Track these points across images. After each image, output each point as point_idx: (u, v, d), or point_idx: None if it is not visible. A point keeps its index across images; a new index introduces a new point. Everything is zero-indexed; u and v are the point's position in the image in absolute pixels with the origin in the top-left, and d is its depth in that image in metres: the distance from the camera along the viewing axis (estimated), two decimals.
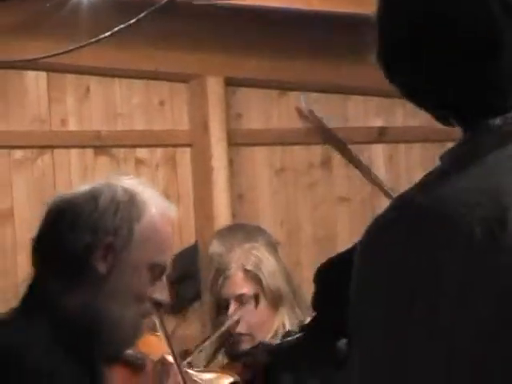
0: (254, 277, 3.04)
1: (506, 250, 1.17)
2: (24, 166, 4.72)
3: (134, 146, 4.71)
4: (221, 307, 3.02)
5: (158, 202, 2.32)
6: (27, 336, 2.18)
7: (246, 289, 3.02)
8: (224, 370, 3.20)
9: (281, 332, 3.06)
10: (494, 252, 1.19)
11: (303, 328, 2.00)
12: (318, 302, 1.85)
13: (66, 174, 4.67)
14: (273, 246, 3.35)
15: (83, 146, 4.60)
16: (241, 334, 3.04)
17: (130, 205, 2.26)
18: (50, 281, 2.25)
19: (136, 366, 2.96)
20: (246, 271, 3.02)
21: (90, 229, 2.19)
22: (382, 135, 4.82)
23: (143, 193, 2.31)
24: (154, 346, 3.06)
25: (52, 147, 4.58)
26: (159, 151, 4.73)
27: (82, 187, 2.35)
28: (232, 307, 3.00)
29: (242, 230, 3.61)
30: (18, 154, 4.62)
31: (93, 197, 2.22)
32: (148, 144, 4.70)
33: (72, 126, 4.60)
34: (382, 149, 4.98)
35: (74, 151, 4.59)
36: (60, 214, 2.27)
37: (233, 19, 4.51)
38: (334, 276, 1.82)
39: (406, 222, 1.28)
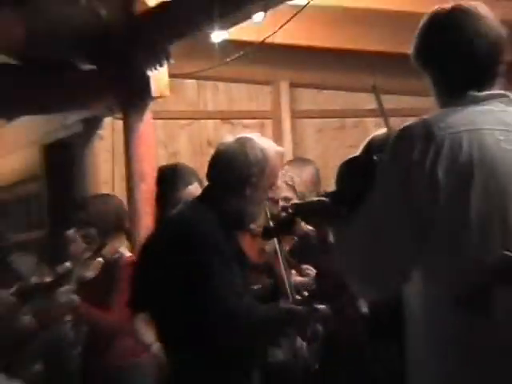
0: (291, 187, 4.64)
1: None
2: None
3: None
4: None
5: (274, 152, 3.66)
6: (205, 218, 3.57)
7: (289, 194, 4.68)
8: None
9: None
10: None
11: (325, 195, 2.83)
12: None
13: None
14: None
15: None
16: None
17: (264, 160, 3.58)
18: (219, 191, 3.65)
19: (254, 234, 4.47)
20: (288, 184, 4.62)
21: (244, 170, 3.57)
22: None
23: (268, 149, 3.62)
24: None
25: None
26: None
27: (234, 141, 3.69)
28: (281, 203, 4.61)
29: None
30: None
31: (246, 154, 3.56)
32: None
33: None
34: None
35: None
36: (229, 157, 3.61)
37: None
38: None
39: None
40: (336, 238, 2.75)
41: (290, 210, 3.10)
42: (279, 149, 3.89)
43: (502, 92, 2.44)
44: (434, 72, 2.48)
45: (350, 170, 2.73)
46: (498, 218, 2.37)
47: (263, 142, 3.79)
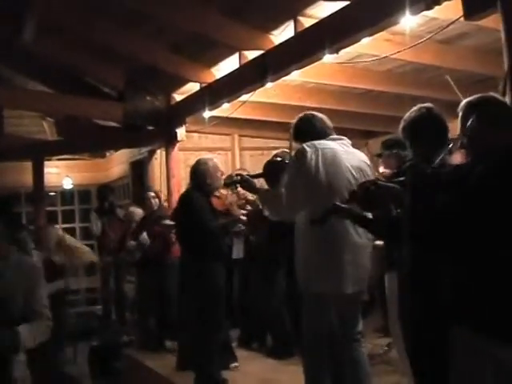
0: None
1: None
2: None
3: None
4: None
5: (215, 163, 6.55)
6: (195, 193, 6.37)
7: None
8: None
9: None
10: None
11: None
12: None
13: None
14: None
15: None
16: None
17: (211, 166, 6.44)
18: (200, 180, 6.34)
19: (217, 197, 7.35)
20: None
21: (206, 170, 6.39)
22: None
23: (213, 161, 6.57)
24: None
25: None
26: None
27: (201, 159, 6.53)
28: None
29: None
30: None
31: (205, 163, 6.42)
32: None
33: None
34: None
35: None
36: (200, 165, 6.38)
37: None
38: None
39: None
40: (265, 196, 4.57)
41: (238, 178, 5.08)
42: (216, 161, 6.47)
43: (337, 136, 4.51)
44: (307, 134, 4.44)
45: (268, 163, 5.39)
46: (337, 184, 4.15)
47: (211, 159, 6.61)
